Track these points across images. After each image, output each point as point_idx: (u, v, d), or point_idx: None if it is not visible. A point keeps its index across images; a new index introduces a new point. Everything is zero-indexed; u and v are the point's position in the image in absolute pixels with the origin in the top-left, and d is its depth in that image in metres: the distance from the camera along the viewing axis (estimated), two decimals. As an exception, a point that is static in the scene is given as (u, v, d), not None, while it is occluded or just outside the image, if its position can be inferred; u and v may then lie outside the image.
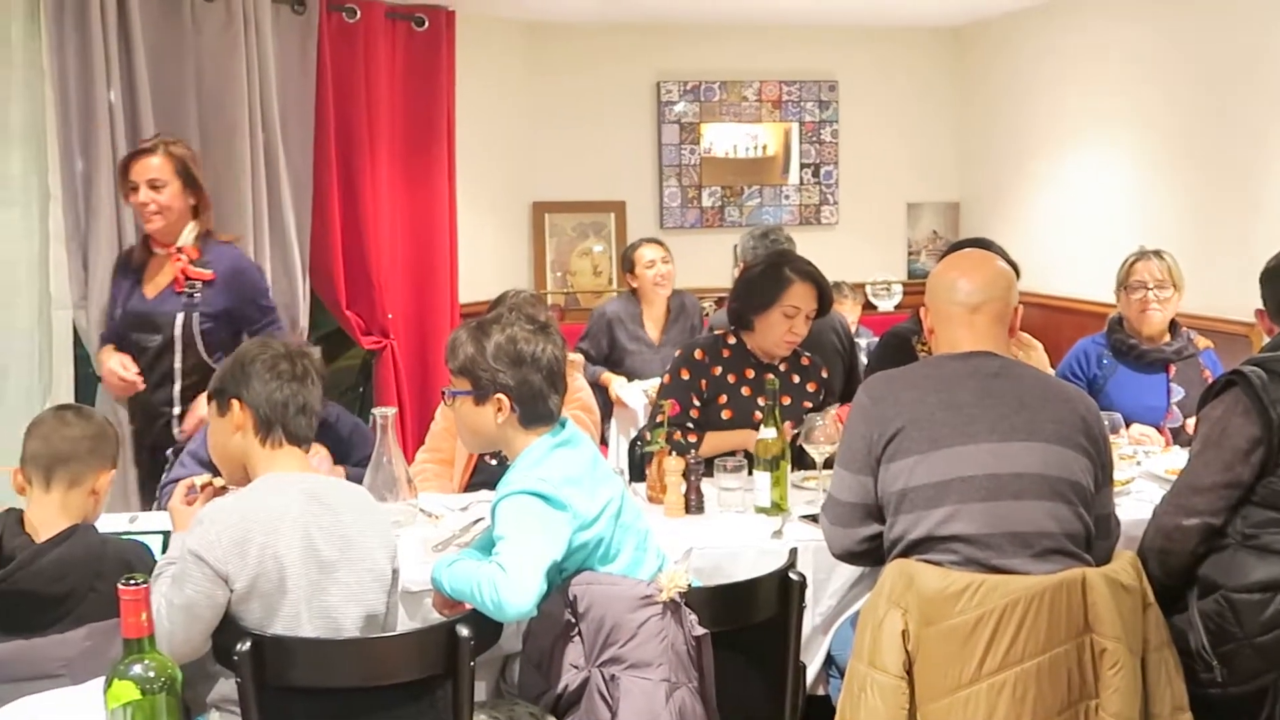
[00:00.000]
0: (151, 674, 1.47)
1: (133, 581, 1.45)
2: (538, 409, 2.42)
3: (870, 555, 2.50)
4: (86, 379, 4.03)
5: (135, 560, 2.37)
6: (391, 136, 5.01)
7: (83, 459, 2.43)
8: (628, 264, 5.05)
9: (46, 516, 2.37)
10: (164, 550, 2.45)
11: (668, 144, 6.19)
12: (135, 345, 3.65)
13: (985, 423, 2.37)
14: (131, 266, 3.73)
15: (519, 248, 6.04)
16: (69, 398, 3.89)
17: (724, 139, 6.28)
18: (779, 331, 3.38)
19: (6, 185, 3.91)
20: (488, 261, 5.62)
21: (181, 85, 4.25)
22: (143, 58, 4.08)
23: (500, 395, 2.39)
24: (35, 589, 2.27)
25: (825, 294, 3.45)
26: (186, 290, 3.58)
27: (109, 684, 1.47)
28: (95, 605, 2.23)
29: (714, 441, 3.37)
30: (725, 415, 3.42)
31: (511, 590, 2.16)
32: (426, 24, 5.11)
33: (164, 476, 3.42)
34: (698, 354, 3.49)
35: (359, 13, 4.80)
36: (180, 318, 3.60)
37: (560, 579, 2.36)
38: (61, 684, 1.99)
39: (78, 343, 4.01)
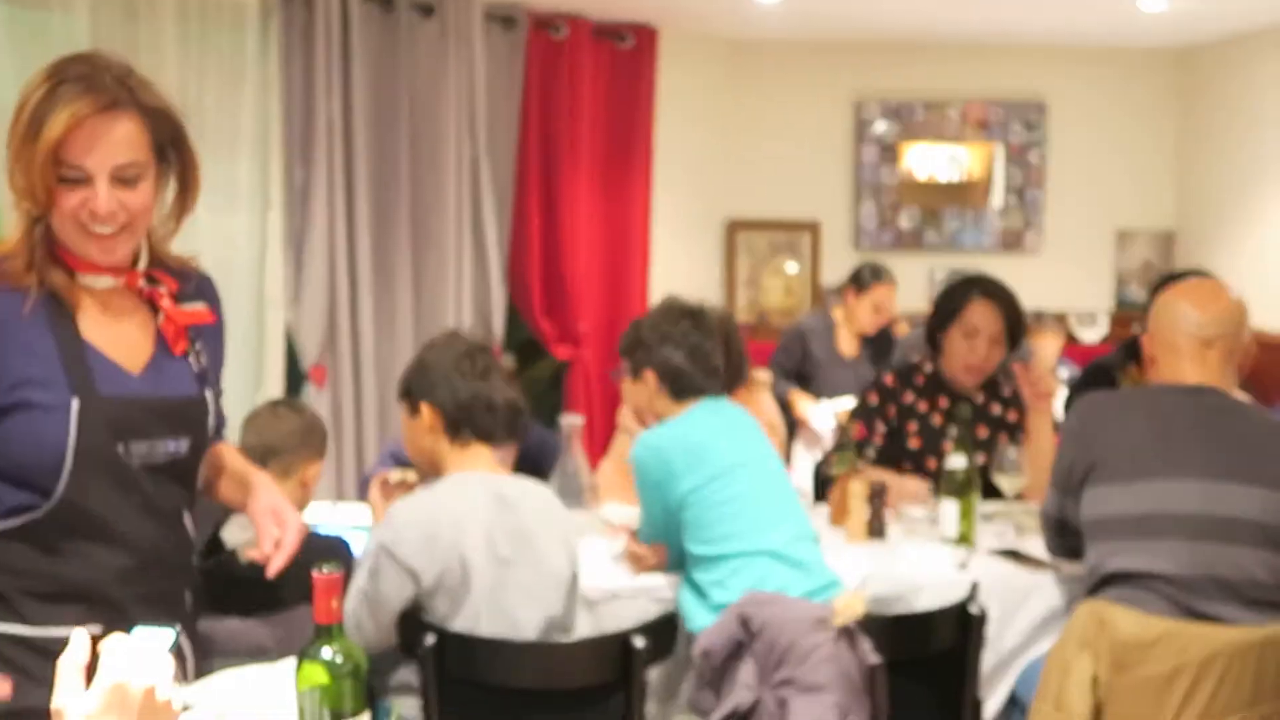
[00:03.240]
0: (339, 659, 1.51)
1: (325, 569, 1.51)
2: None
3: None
4: (294, 375, 4.24)
5: (338, 553, 2.46)
6: (592, 150, 5.09)
7: (293, 450, 2.55)
8: (860, 283, 4.90)
9: (257, 504, 2.50)
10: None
11: (866, 163, 6.09)
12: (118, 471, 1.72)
13: (1199, 459, 2.26)
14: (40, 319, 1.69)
15: (711, 264, 6.05)
16: (279, 391, 4.10)
17: (925, 160, 6.14)
18: (958, 353, 3.28)
19: (233, 192, 4.14)
20: (679, 276, 5.63)
21: (395, 97, 4.43)
22: (360, 71, 4.28)
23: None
24: (243, 574, 2.39)
25: (1012, 317, 3.28)
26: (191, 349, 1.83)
27: (299, 665, 1.52)
28: (301, 591, 2.33)
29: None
30: (913, 444, 3.33)
31: None
32: (631, 41, 5.19)
33: (365, 471, 3.57)
34: (888, 379, 3.42)
35: (566, 30, 4.91)
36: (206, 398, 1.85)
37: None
38: (270, 659, 2.09)
39: (287, 340, 4.23)
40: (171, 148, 1.71)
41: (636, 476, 2.62)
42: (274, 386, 4.13)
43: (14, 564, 1.70)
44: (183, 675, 1.62)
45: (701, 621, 2.44)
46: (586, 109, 5.04)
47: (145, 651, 1.22)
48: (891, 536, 3.02)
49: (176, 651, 1.55)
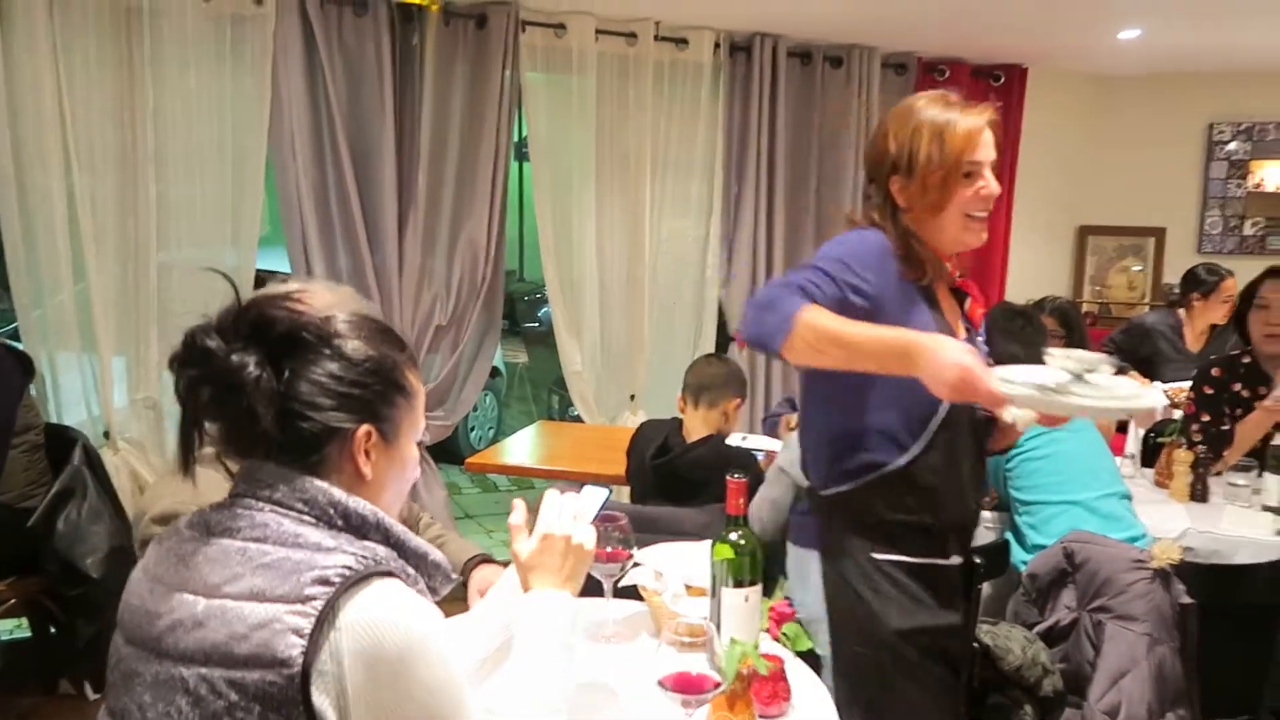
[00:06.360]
0: (743, 541, 1.57)
1: (735, 475, 1.58)
2: None
3: None
4: (723, 337, 4.39)
5: (746, 463, 2.53)
6: (963, 169, 4.85)
7: (719, 389, 2.65)
8: (1205, 287, 4.16)
9: (693, 426, 2.64)
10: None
11: (1214, 178, 5.33)
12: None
13: None
14: (917, 285, 1.67)
15: (1062, 262, 5.57)
16: (712, 348, 4.27)
17: (1275, 175, 5.28)
18: (1258, 325, 2.86)
19: (687, 202, 4.30)
20: (1032, 272, 5.25)
21: (808, 131, 4.42)
22: (783, 111, 4.30)
23: None
24: (683, 473, 2.54)
25: None
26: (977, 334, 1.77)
27: (714, 544, 1.60)
28: (717, 491, 2.44)
29: (1244, 431, 2.83)
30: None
31: None
32: (1003, 79, 4.86)
33: (770, 410, 3.65)
34: (1216, 371, 3.02)
35: (948, 72, 4.69)
36: None
37: None
38: (691, 539, 2.22)
39: (720, 311, 4.37)
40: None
41: None
42: (708, 344, 4.30)
43: (896, 506, 1.60)
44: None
45: (1019, 558, 2.31)
46: (961, 136, 4.80)
47: (570, 507, 1.28)
48: (1214, 501, 2.69)
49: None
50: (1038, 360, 2.50)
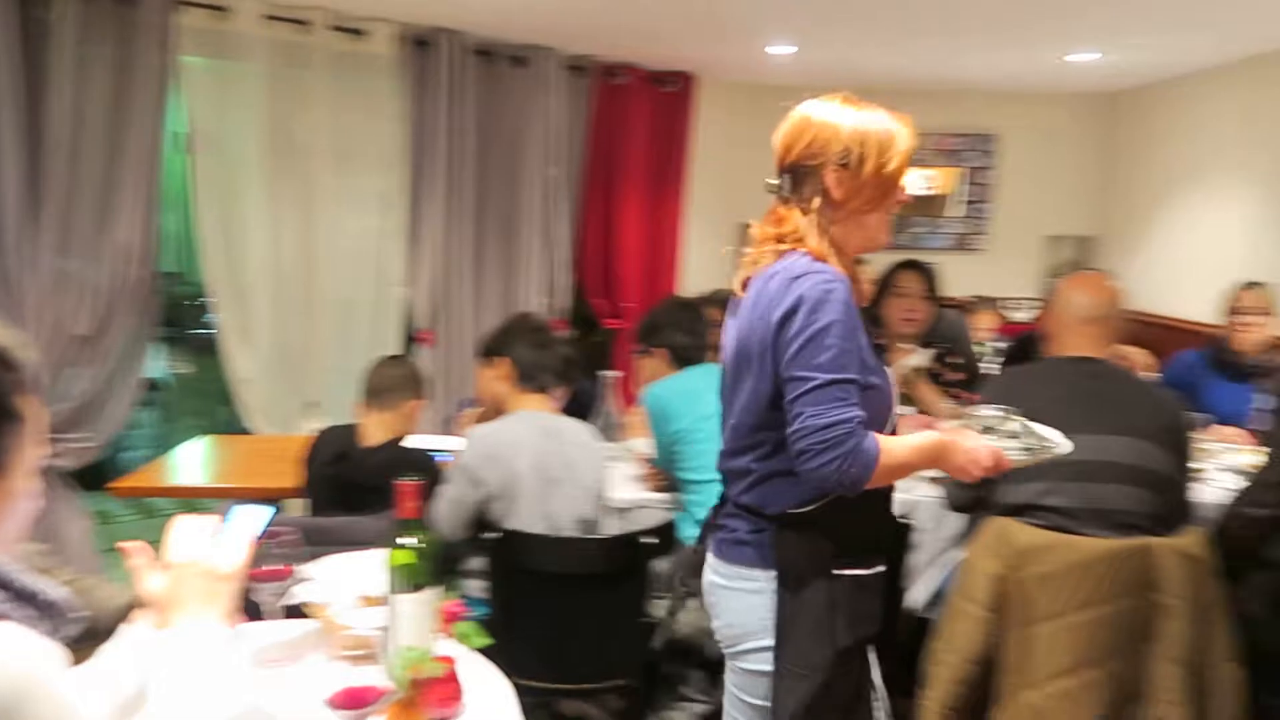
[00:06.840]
0: (421, 545, 1.56)
1: (408, 478, 1.56)
2: None
3: (975, 508, 2.41)
4: (407, 337, 4.30)
5: (426, 466, 2.51)
6: (640, 170, 5.06)
7: (396, 391, 2.61)
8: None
9: (372, 430, 2.57)
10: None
11: (854, 181, 6.01)
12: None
13: (1084, 416, 2.24)
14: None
15: (729, 258, 6.00)
16: (396, 349, 4.16)
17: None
18: (896, 310, 3.29)
19: (368, 197, 4.18)
20: (703, 266, 5.62)
21: (492, 127, 4.43)
22: (467, 107, 4.29)
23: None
24: (360, 480, 2.46)
25: (929, 279, 3.31)
26: None
27: (391, 550, 1.57)
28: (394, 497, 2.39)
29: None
30: None
31: None
32: (675, 85, 5.15)
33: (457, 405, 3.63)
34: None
35: (625, 77, 4.89)
36: None
37: None
38: (370, 549, 2.16)
39: (406, 310, 4.27)
40: None
41: (647, 418, 2.65)
42: (392, 345, 4.19)
43: (856, 518, 1.59)
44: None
45: (687, 531, 2.47)
46: (638, 137, 5.01)
47: (199, 532, 1.19)
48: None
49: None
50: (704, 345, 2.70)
